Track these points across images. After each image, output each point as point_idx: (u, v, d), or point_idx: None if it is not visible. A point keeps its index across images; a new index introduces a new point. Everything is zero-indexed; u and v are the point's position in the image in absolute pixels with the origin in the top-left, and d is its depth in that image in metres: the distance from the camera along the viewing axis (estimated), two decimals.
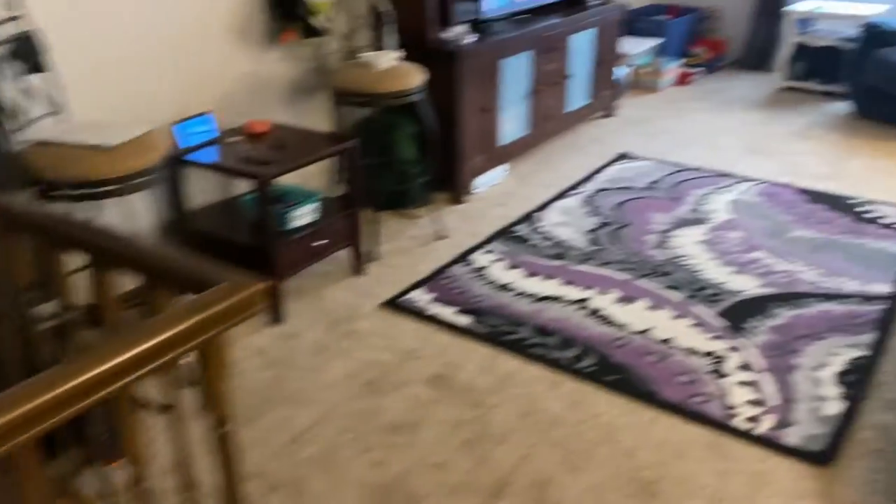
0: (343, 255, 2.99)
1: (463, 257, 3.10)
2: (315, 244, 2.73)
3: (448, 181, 3.64)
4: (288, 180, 2.87)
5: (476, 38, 3.52)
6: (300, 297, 2.80)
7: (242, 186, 3.01)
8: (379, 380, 2.33)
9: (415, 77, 2.96)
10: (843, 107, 5.04)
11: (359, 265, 2.96)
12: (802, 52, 5.46)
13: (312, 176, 3.38)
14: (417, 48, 3.40)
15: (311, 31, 3.05)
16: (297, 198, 2.70)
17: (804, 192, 3.68)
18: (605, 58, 4.66)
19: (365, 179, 3.13)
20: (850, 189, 3.73)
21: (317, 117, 3.37)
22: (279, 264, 2.59)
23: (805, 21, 5.53)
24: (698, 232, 3.28)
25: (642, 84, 5.58)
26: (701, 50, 6.10)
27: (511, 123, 3.94)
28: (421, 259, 3.09)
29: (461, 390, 2.28)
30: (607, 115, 4.98)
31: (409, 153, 3.40)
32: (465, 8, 3.77)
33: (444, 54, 3.40)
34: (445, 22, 3.53)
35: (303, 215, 2.67)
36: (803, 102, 5.18)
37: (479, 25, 3.81)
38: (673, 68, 5.61)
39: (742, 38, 6.21)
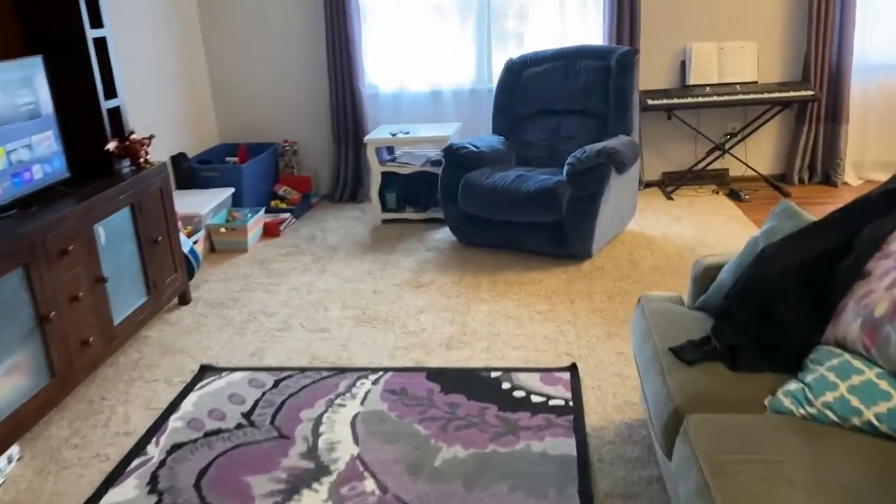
0: None
1: None
2: None
3: None
4: None
5: None
6: None
7: None
8: None
9: None
10: (445, 235, 4.62)
11: None
12: (393, 180, 4.99)
13: None
14: None
15: None
16: None
17: (436, 375, 2.95)
18: (159, 234, 3.52)
19: None
20: (483, 354, 3.11)
21: None
22: None
23: (389, 149, 5.09)
24: (319, 498, 2.27)
25: (224, 247, 4.56)
26: (285, 190, 5.33)
27: (11, 381, 2.55)
28: None
29: None
30: (183, 303, 3.82)
31: None
32: None
33: None
34: None
35: None
36: (406, 237, 4.65)
37: None
38: (257, 219, 4.70)
39: (328, 170, 5.62)
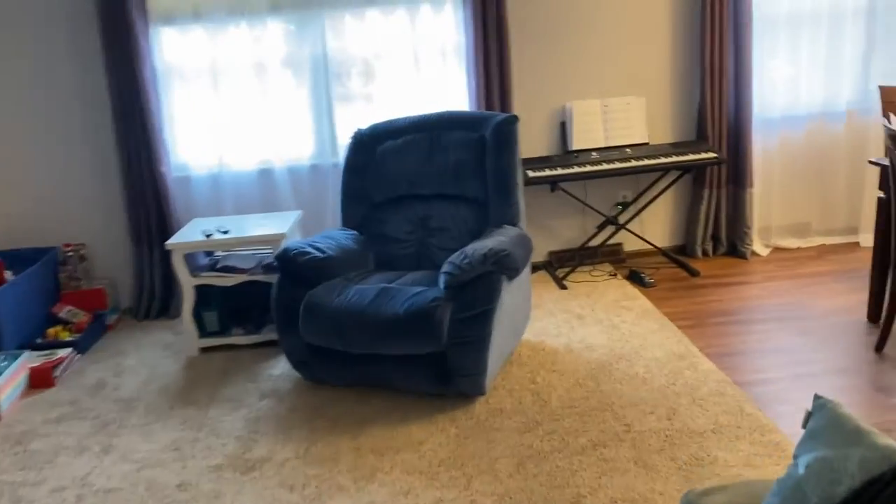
0: None
1: None
2: None
3: None
4: None
5: None
6: None
7: None
8: None
9: None
10: (287, 368, 3.46)
11: None
12: (213, 293, 3.79)
13: None
14: None
15: None
16: None
17: None
18: None
19: None
20: None
21: None
22: None
23: (209, 254, 3.89)
24: None
25: None
26: (69, 312, 3.97)
27: None
28: None
29: None
30: None
31: None
32: None
33: None
34: None
35: None
36: (232, 374, 3.44)
37: None
38: (17, 368, 3.33)
39: (128, 277, 4.31)
